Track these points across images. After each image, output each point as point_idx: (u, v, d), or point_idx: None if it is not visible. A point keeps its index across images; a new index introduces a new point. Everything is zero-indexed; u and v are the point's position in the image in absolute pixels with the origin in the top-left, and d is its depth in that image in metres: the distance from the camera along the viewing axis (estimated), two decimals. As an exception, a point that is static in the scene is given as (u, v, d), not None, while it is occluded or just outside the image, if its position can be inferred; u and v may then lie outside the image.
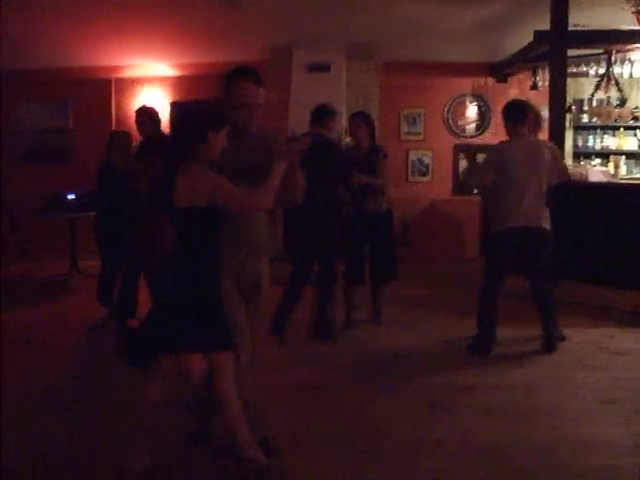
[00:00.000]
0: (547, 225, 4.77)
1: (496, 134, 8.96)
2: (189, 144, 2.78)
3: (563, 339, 4.98)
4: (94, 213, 5.99)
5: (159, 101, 8.94)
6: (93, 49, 8.18)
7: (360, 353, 4.97)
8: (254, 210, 2.99)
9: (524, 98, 6.24)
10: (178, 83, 8.99)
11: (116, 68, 8.78)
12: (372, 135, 5.34)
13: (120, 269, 5.52)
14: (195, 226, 2.80)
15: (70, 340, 5.42)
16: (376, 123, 8.38)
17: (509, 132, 4.88)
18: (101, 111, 9.00)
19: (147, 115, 5.65)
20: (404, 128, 9.13)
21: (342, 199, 5.22)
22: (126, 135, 5.73)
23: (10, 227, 8.45)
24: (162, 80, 8.99)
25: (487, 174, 4.85)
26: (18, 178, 9.02)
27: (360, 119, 5.30)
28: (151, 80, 8.99)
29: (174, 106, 8.87)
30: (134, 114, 5.75)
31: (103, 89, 8.98)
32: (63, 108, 9.19)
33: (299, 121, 5.18)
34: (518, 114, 4.83)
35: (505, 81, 8.99)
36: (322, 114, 5.16)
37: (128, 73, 8.90)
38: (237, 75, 3.03)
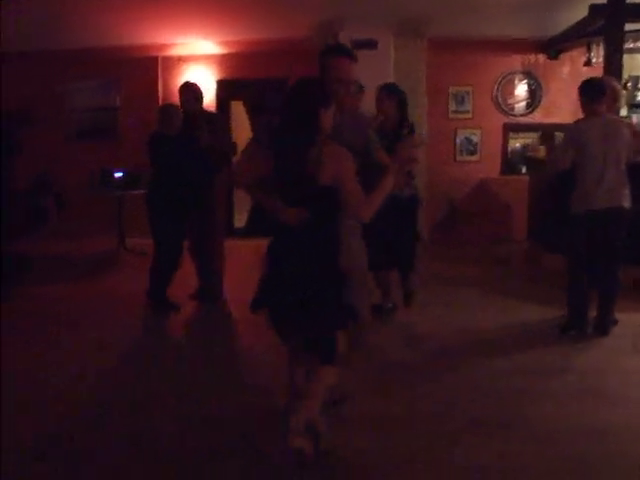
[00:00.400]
0: (627, 204, 4.68)
1: (547, 113, 8.80)
2: (304, 121, 2.78)
3: (616, 323, 4.90)
4: (141, 191, 6.05)
5: (205, 79, 8.98)
6: (140, 28, 8.22)
7: (408, 336, 4.98)
8: (354, 216, 3.01)
9: (576, 75, 6.05)
10: (224, 61, 9.00)
11: (163, 46, 8.83)
12: (402, 109, 5.03)
13: (176, 244, 5.55)
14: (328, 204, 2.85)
15: (115, 316, 5.56)
16: (424, 101, 8.39)
17: (585, 110, 4.72)
18: (148, 89, 9.06)
19: (191, 92, 5.66)
20: (452, 106, 9.00)
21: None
22: (177, 108, 5.65)
23: (57, 204, 8.60)
24: (208, 58, 9.01)
25: (567, 156, 4.75)
26: (66, 156, 9.18)
27: (384, 92, 5.02)
28: (197, 58, 9.02)
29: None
30: (178, 91, 5.77)
31: (150, 67, 9.04)
32: (110, 86, 9.29)
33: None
34: (595, 92, 4.67)
35: (557, 58, 8.78)
36: None
37: (175, 51, 8.94)
38: (332, 51, 3.14)
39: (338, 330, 2.96)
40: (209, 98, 9.07)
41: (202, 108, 5.78)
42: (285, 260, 2.91)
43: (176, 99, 8.95)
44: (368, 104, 5.03)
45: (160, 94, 9.09)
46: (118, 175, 7.92)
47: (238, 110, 9.39)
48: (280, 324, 3.02)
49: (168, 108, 5.63)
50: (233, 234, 9.40)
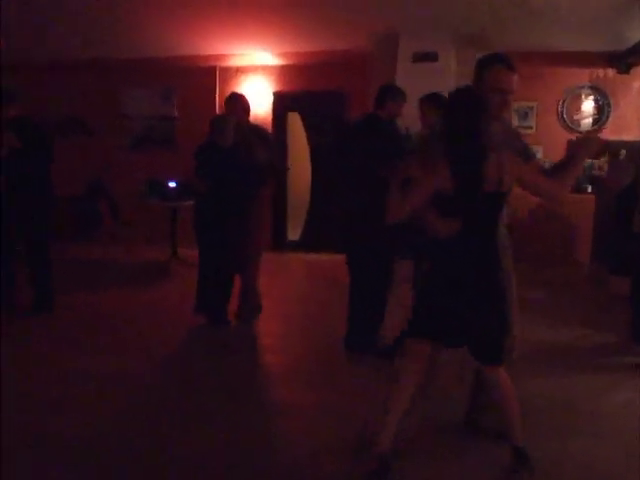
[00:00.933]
0: None
1: (616, 129, 8.50)
2: (468, 130, 2.82)
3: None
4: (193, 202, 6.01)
5: (262, 90, 9.02)
6: (199, 38, 8.29)
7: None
8: (553, 199, 3.10)
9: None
10: (281, 72, 9.02)
11: (221, 57, 8.89)
12: None
13: (221, 260, 5.47)
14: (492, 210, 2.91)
15: (159, 326, 5.59)
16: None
17: None
18: (205, 99, 9.14)
19: (238, 104, 5.62)
20: (515, 122, 8.78)
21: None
22: (231, 119, 5.51)
23: (111, 211, 8.74)
24: (265, 69, 9.04)
25: (627, 173, 4.57)
26: (122, 164, 9.32)
27: (425, 103, 4.78)
28: (255, 69, 9.06)
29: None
30: (224, 102, 5.74)
31: (208, 77, 9.12)
32: (168, 96, 9.41)
33: (404, 113, 4.98)
34: None
35: (627, 72, 8.48)
36: (382, 95, 4.81)
37: (233, 62, 8.99)
38: (493, 61, 3.12)
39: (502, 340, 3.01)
40: (265, 110, 9.11)
41: (249, 121, 5.73)
42: (448, 282, 2.92)
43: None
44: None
45: (217, 105, 9.14)
46: (172, 185, 7.97)
47: (294, 122, 9.36)
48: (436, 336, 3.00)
49: (222, 119, 5.55)
50: (286, 247, 9.39)
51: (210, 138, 5.38)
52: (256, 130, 5.77)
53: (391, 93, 4.83)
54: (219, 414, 3.80)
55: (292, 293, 6.96)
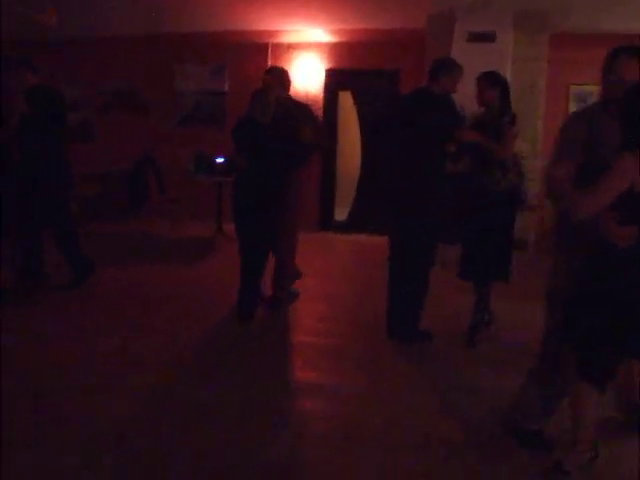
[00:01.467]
0: None
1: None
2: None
3: None
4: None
5: (314, 67, 8.98)
6: (252, 13, 8.28)
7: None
8: None
9: None
10: (334, 50, 8.97)
11: (274, 33, 8.87)
12: (504, 98, 4.71)
13: (256, 242, 5.26)
14: None
15: (200, 303, 5.67)
16: (542, 99, 8.02)
17: None
18: (256, 76, 9.05)
19: (278, 78, 5.46)
20: (572, 106, 8.57)
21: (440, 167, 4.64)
22: (272, 94, 5.25)
23: (158, 188, 8.84)
24: (318, 46, 9.00)
25: None
26: (172, 139, 9.42)
27: (485, 81, 4.71)
28: (307, 46, 9.02)
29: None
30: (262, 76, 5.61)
31: (259, 54, 9.11)
32: (219, 72, 9.44)
33: (460, 94, 4.90)
34: None
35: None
36: (436, 68, 4.73)
37: (285, 38, 8.97)
38: (624, 51, 3.09)
39: None
40: (317, 87, 9.08)
41: (290, 96, 5.57)
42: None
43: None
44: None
45: (268, 81, 9.13)
46: (219, 161, 8.03)
47: (346, 101, 9.31)
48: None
49: (262, 93, 5.23)
50: (333, 227, 9.39)
51: (249, 113, 5.17)
52: (298, 106, 5.65)
53: (446, 67, 4.72)
54: (252, 396, 3.83)
55: (337, 274, 6.95)
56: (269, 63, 9.14)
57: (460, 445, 3.27)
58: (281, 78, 5.49)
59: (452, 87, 4.71)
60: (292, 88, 8.95)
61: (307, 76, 9.05)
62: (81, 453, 3.09)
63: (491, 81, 4.72)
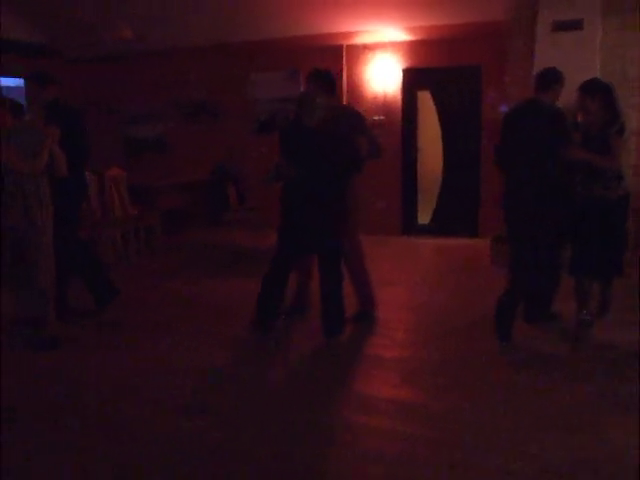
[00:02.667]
0: None
1: None
2: None
3: None
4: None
5: (391, 68, 8.87)
6: (325, 16, 8.27)
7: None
8: None
9: None
10: (411, 48, 8.83)
11: (347, 34, 8.81)
12: (610, 106, 4.61)
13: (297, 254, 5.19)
14: None
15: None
16: (634, 89, 7.64)
17: None
18: (331, 79, 9.08)
19: (321, 80, 5.28)
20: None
21: (554, 177, 4.67)
22: (319, 96, 5.02)
23: (237, 197, 8.90)
24: (394, 45, 8.88)
25: None
26: (249, 146, 9.49)
27: (582, 91, 4.68)
28: (383, 46, 8.92)
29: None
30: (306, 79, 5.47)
31: (334, 56, 9.07)
32: (294, 78, 9.43)
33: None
34: None
35: None
36: (546, 77, 4.73)
37: (360, 39, 8.90)
38: None
39: None
40: (394, 88, 8.96)
41: (337, 99, 5.46)
42: None
43: (362, 89, 9.04)
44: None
45: (344, 83, 9.09)
46: (298, 168, 8.01)
47: (425, 101, 9.14)
48: None
49: (308, 96, 5.05)
50: (416, 231, 9.25)
51: (296, 117, 5.02)
52: (347, 110, 5.51)
53: (556, 76, 4.75)
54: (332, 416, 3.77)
55: (423, 281, 6.78)
56: (344, 66, 9.11)
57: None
58: (326, 80, 5.32)
59: (558, 97, 4.76)
60: (370, 90, 8.98)
61: (384, 77, 8.95)
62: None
63: (590, 90, 4.69)
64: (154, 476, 3.11)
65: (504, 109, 6.59)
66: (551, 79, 4.71)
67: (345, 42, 9.04)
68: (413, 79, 9.00)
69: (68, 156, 5.14)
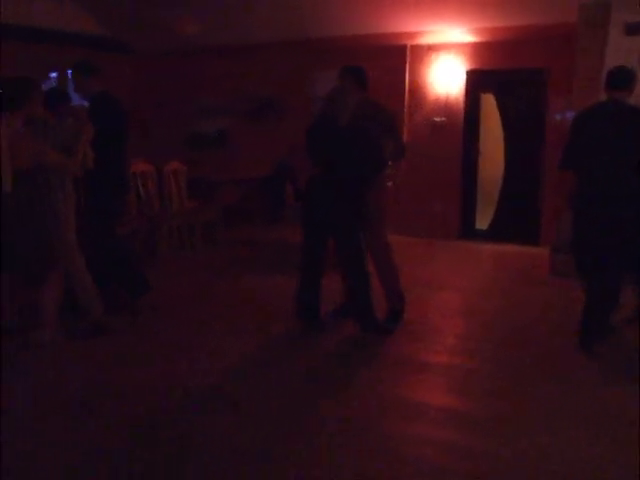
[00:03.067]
0: None
1: None
2: None
3: None
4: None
5: (454, 69, 8.74)
6: (390, 15, 8.18)
7: None
8: None
9: None
10: (475, 50, 8.68)
11: (411, 34, 8.71)
12: None
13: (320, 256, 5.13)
14: None
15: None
16: None
17: None
18: (394, 79, 9.02)
19: (352, 77, 5.22)
20: None
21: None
22: (349, 93, 5.02)
23: (294, 194, 8.89)
24: (458, 47, 8.74)
25: None
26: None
27: None
28: (448, 47, 8.79)
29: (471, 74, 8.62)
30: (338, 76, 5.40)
31: (397, 56, 9.00)
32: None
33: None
34: None
35: None
36: (625, 77, 4.52)
37: (424, 39, 8.78)
38: None
39: None
40: (457, 90, 8.82)
41: (367, 97, 5.29)
42: None
43: (425, 90, 8.93)
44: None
45: (407, 84, 9.00)
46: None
47: (487, 104, 8.97)
48: None
49: (337, 93, 4.99)
50: (473, 236, 9.09)
51: (324, 115, 4.98)
52: (378, 107, 5.41)
53: (633, 75, 4.56)
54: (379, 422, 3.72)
55: (478, 288, 6.63)
56: (407, 66, 9.01)
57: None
58: (357, 77, 5.25)
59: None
60: (433, 91, 8.86)
61: (447, 78, 8.83)
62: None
63: None
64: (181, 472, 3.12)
65: (570, 114, 6.39)
66: (629, 77, 4.52)
67: (409, 42, 8.94)
68: (477, 81, 8.85)
69: (108, 149, 5.20)
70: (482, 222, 9.21)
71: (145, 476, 3.07)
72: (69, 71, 6.14)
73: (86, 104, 5.52)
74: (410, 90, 9.05)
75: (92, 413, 3.68)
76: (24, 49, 8.58)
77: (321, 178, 4.96)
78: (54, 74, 9.44)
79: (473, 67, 8.78)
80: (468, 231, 9.17)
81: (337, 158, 4.84)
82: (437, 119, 8.88)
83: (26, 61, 8.46)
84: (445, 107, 8.94)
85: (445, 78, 8.86)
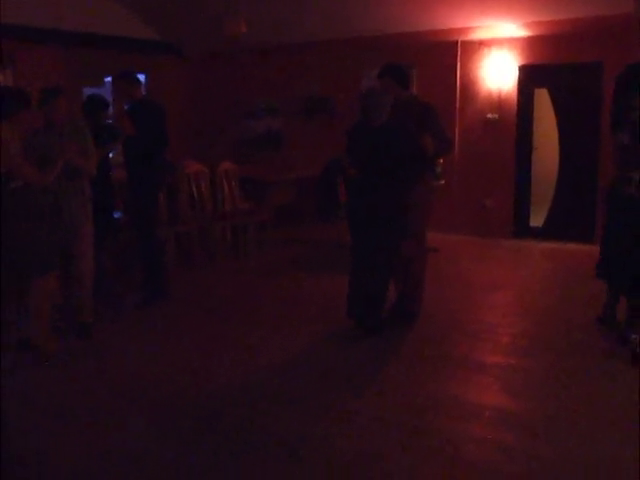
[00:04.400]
0: None
1: None
2: None
3: None
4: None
5: (507, 64, 8.65)
6: (441, 11, 8.15)
7: None
8: None
9: None
10: (528, 44, 8.57)
11: (463, 30, 8.67)
12: None
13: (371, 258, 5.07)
14: None
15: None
16: None
17: None
18: (445, 75, 8.99)
19: (389, 75, 5.14)
20: None
21: None
22: (380, 93, 4.96)
23: (347, 190, 8.91)
24: (510, 41, 8.64)
25: None
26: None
27: None
28: (499, 42, 8.70)
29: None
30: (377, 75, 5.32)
31: (448, 52, 8.96)
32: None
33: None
34: None
35: None
36: None
37: (475, 35, 8.73)
38: None
39: None
40: (510, 86, 8.72)
41: (407, 96, 5.24)
42: None
43: (477, 86, 8.86)
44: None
45: (458, 80, 8.94)
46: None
47: (541, 99, 8.85)
48: None
49: (372, 94, 4.94)
50: (528, 233, 8.98)
51: (362, 116, 4.94)
52: (417, 103, 5.36)
53: None
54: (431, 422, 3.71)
55: (530, 286, 6.57)
56: (458, 62, 8.95)
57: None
58: (394, 75, 5.15)
59: None
60: (485, 87, 8.79)
61: (499, 74, 8.74)
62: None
63: None
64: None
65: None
66: None
67: (460, 38, 8.89)
68: (530, 76, 8.74)
69: (147, 149, 5.63)
70: (537, 219, 9.09)
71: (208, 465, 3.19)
72: (108, 78, 6.58)
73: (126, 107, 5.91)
74: (462, 86, 9.00)
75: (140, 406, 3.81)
76: (82, 54, 8.87)
77: (359, 179, 4.97)
78: (108, 78, 9.66)
79: (525, 62, 8.67)
80: (522, 228, 9.06)
81: (372, 160, 4.83)
82: (489, 115, 8.80)
83: (85, 66, 8.77)
84: (498, 103, 8.85)
85: (497, 74, 8.77)
